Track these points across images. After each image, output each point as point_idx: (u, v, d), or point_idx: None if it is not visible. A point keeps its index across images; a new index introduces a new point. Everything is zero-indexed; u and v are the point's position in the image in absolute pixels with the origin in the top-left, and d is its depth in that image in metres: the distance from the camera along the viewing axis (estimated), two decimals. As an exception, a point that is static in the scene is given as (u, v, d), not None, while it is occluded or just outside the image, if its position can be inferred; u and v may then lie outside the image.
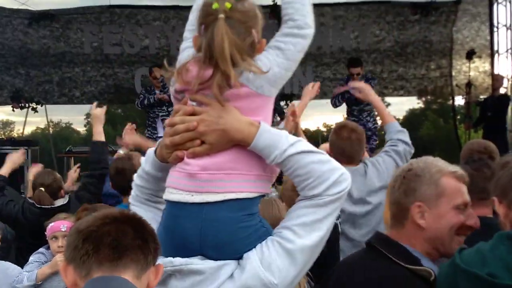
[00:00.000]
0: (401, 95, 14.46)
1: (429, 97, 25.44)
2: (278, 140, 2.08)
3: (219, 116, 2.09)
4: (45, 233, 4.54)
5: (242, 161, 2.12)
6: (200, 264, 2.04)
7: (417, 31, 13.65)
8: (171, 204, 2.13)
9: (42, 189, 5.36)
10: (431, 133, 35.08)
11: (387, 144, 4.48)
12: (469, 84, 11.86)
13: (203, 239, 2.04)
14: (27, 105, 13.28)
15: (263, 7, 8.94)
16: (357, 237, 4.21)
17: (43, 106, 13.64)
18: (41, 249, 4.63)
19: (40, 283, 4.34)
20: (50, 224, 4.53)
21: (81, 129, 40.25)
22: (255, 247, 2.06)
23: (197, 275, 2.03)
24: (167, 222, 2.14)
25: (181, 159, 2.12)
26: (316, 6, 9.23)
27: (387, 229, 2.61)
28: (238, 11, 2.10)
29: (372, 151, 7.83)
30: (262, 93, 2.12)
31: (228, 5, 2.08)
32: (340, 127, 4.51)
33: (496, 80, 11.88)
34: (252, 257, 2.02)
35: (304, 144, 2.10)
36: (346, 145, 4.40)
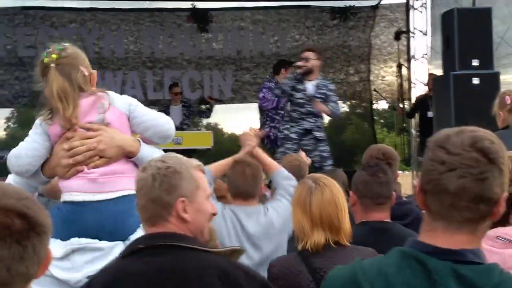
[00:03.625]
0: (321, 100, 14.56)
1: (354, 101, 25.78)
2: (152, 151, 2.92)
3: (111, 137, 2.87)
4: None
5: (126, 166, 2.92)
6: (100, 243, 2.79)
7: (336, 36, 13.71)
8: (73, 203, 2.84)
9: None
10: (354, 136, 35.55)
11: (280, 189, 4.44)
12: (399, 66, 12.03)
13: (100, 227, 2.79)
14: None
15: (182, 10, 8.85)
16: None
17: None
18: None
19: None
20: None
21: (1, 133, 39.27)
22: (136, 231, 2.81)
23: (98, 252, 2.76)
24: (68, 216, 2.83)
25: (78, 173, 2.85)
26: (235, 10, 9.28)
27: None
28: (63, 57, 2.91)
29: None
30: (127, 114, 2.97)
31: (54, 56, 2.89)
32: (236, 162, 4.48)
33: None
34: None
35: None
36: (240, 180, 4.32)
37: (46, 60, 2.89)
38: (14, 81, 13.13)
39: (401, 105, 12.95)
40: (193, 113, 12.14)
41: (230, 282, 2.25)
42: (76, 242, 2.78)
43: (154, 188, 2.39)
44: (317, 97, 8.06)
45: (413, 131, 13.14)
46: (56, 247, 2.77)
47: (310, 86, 8.15)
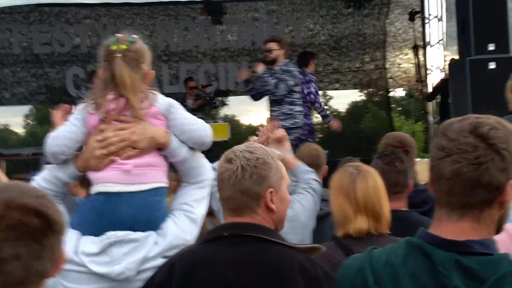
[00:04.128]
0: (337, 89, 14.52)
1: (370, 89, 25.67)
2: (181, 143, 2.96)
3: (144, 128, 2.89)
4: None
5: (158, 160, 2.95)
6: (135, 234, 2.79)
7: (350, 24, 13.67)
8: (108, 194, 2.84)
9: None
10: (372, 125, 35.47)
11: (303, 184, 4.44)
12: (415, 47, 11.97)
13: (137, 218, 2.83)
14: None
15: (196, 2, 8.88)
16: None
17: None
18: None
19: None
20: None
21: (20, 130, 39.47)
22: (166, 220, 2.90)
23: (134, 243, 2.77)
24: (102, 207, 2.84)
25: (111, 163, 2.86)
26: (249, 1, 9.29)
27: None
28: (131, 51, 2.87)
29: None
30: (166, 114, 2.97)
31: (124, 46, 2.85)
32: None
33: None
34: (170, 226, 2.87)
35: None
36: None
37: (113, 47, 2.86)
38: (31, 78, 13.23)
39: (420, 88, 12.89)
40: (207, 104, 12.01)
41: (311, 277, 2.26)
42: (112, 235, 2.77)
43: (244, 179, 2.40)
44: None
45: (431, 118, 13.08)
46: (91, 243, 2.80)
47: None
